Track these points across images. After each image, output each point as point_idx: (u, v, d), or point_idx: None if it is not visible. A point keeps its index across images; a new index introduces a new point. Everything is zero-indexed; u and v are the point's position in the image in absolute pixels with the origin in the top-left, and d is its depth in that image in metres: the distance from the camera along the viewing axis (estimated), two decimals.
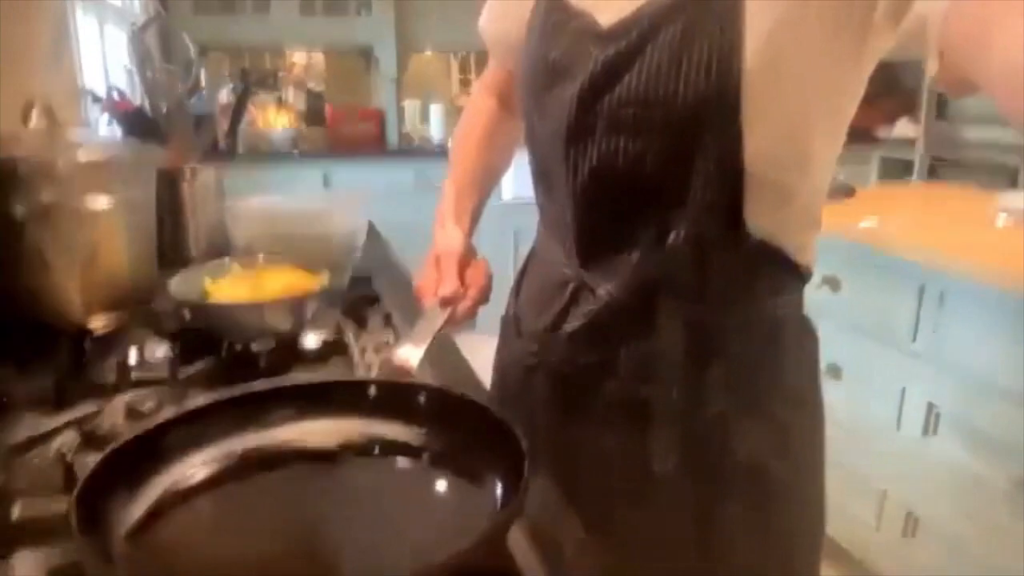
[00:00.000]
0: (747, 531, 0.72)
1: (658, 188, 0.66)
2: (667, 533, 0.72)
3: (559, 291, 0.77)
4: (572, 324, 0.75)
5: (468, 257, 0.78)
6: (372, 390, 0.62)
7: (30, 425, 0.69)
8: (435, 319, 0.71)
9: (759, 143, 0.63)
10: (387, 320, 0.99)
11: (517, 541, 0.55)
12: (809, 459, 0.77)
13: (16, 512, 0.54)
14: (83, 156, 0.91)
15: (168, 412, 0.56)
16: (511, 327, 0.87)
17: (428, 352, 0.67)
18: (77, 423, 0.68)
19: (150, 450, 0.53)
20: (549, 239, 0.81)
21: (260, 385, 0.64)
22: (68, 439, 0.65)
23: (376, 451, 0.59)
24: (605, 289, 0.72)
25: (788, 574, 0.76)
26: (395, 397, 0.61)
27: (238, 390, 0.61)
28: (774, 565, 0.75)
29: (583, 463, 0.75)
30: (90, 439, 0.65)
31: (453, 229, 0.80)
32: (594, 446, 0.75)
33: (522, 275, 0.88)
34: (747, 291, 0.69)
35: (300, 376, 0.83)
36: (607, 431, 0.74)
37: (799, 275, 0.72)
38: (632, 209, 0.68)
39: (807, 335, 0.76)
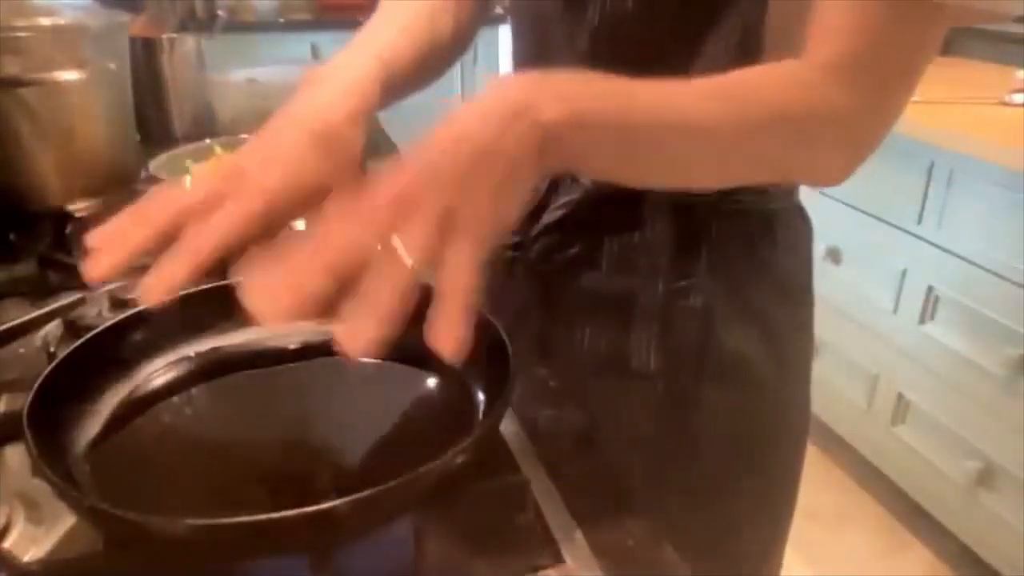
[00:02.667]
0: (728, 428, 0.69)
1: (662, 58, 0.56)
2: (645, 431, 0.69)
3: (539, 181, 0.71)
4: (552, 215, 0.69)
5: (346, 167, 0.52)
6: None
7: (13, 313, 0.67)
8: None
9: (781, 11, 0.56)
10: None
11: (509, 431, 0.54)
12: (795, 356, 0.73)
13: (1, 406, 0.53)
14: (47, 22, 0.84)
15: (118, 316, 0.53)
16: None
17: None
18: (61, 312, 0.65)
19: (102, 357, 0.51)
20: None
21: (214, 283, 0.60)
22: (52, 329, 0.63)
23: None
24: (582, 180, 0.66)
25: (769, 472, 0.74)
26: None
27: (190, 289, 0.58)
28: (756, 462, 0.72)
29: (562, 362, 0.68)
30: (74, 329, 0.63)
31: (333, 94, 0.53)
32: (573, 344, 0.70)
33: None
34: None
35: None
36: (587, 328, 0.69)
37: None
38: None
39: (802, 226, 0.71)
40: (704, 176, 0.54)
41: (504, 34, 3.46)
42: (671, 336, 0.65)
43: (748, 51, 0.56)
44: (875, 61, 0.48)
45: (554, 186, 0.70)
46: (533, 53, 0.70)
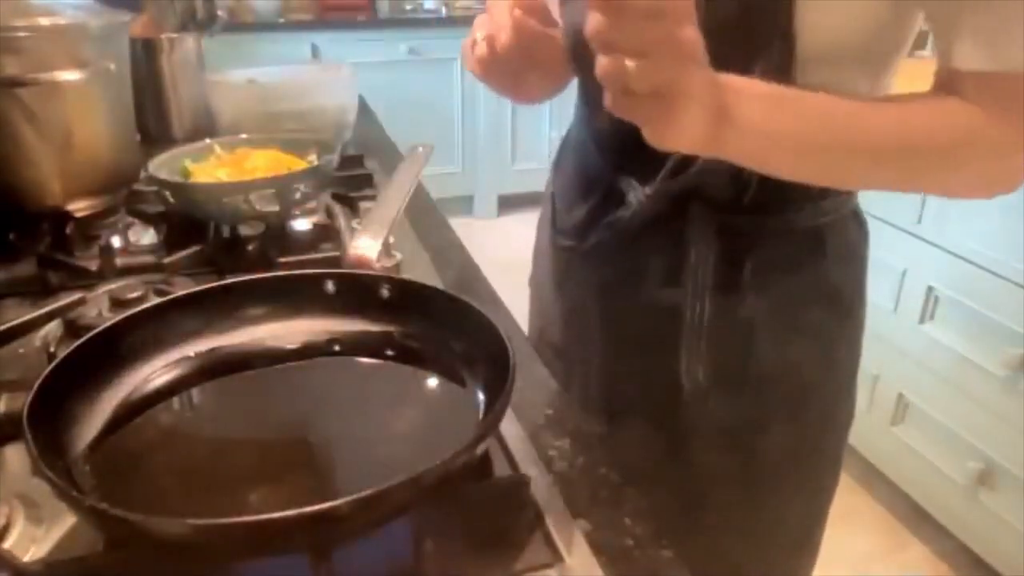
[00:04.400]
0: (780, 430, 0.71)
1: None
2: (693, 447, 0.72)
3: (590, 188, 0.73)
4: (600, 235, 0.72)
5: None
6: (330, 285, 0.59)
7: (13, 313, 0.67)
8: (392, 206, 0.67)
9: (812, 32, 0.56)
10: None
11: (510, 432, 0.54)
12: (846, 356, 0.74)
13: (1, 406, 0.53)
14: (47, 22, 0.84)
15: (118, 316, 0.53)
16: (548, 206, 0.83)
17: (390, 241, 0.65)
18: (60, 312, 0.65)
19: (102, 357, 0.51)
20: (581, 127, 0.76)
21: (213, 283, 0.60)
22: (52, 329, 0.63)
23: (339, 349, 0.57)
24: (635, 196, 0.68)
25: (815, 462, 0.79)
26: (357, 290, 0.58)
27: (190, 290, 0.58)
28: (804, 456, 0.75)
29: (610, 380, 0.74)
30: (74, 329, 0.63)
31: None
32: (622, 359, 0.73)
33: (560, 154, 0.83)
34: (788, 196, 0.63)
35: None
36: (635, 344, 0.72)
37: None
38: None
39: (857, 232, 0.70)
40: (855, 182, 0.62)
41: None
42: (718, 349, 0.67)
43: (775, 70, 0.56)
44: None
45: (605, 200, 0.71)
46: (580, 75, 0.72)
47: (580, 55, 0.68)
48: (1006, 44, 0.52)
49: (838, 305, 0.70)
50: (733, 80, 0.50)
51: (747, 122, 0.51)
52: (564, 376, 0.72)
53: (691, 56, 0.46)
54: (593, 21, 0.44)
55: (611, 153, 0.71)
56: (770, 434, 0.71)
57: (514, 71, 0.68)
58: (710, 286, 0.66)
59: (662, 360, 0.70)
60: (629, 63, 0.44)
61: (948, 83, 0.56)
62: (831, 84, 0.56)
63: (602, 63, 0.45)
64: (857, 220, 0.70)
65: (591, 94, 0.72)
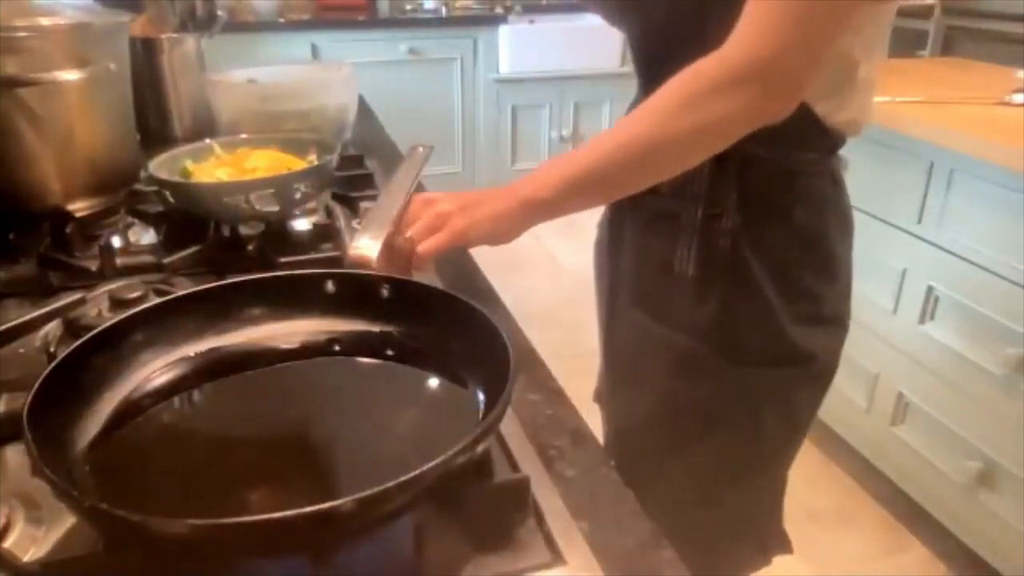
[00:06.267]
0: (758, 325, 0.82)
1: (691, 37, 0.69)
2: (687, 317, 0.83)
3: None
4: None
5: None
6: (330, 285, 0.59)
7: (13, 313, 0.67)
8: (392, 206, 0.68)
9: None
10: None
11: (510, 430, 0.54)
12: (836, 246, 0.83)
13: (1, 406, 0.53)
14: (47, 22, 0.84)
15: (118, 316, 0.53)
16: None
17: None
18: (61, 312, 0.65)
19: (102, 357, 0.51)
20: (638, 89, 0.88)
21: (213, 283, 0.60)
22: (52, 329, 0.63)
23: (339, 349, 0.57)
24: None
25: (783, 394, 0.86)
26: (357, 290, 0.58)
27: (190, 290, 0.58)
28: (777, 380, 0.85)
29: (635, 260, 0.90)
30: (74, 329, 0.63)
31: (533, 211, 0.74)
32: (640, 248, 0.89)
33: None
34: (773, 133, 0.69)
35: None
36: (649, 237, 0.87)
37: (827, 136, 0.77)
38: (678, 41, 0.72)
39: (830, 188, 0.82)
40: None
41: (504, 34, 3.46)
42: (708, 248, 0.81)
43: None
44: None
45: None
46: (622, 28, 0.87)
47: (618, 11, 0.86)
48: None
49: (808, 248, 0.81)
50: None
51: (539, 183, 0.72)
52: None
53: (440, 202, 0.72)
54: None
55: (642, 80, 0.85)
56: (743, 334, 0.82)
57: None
58: (702, 198, 0.79)
59: (660, 248, 0.84)
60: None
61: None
62: None
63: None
64: (833, 179, 0.83)
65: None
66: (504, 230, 0.72)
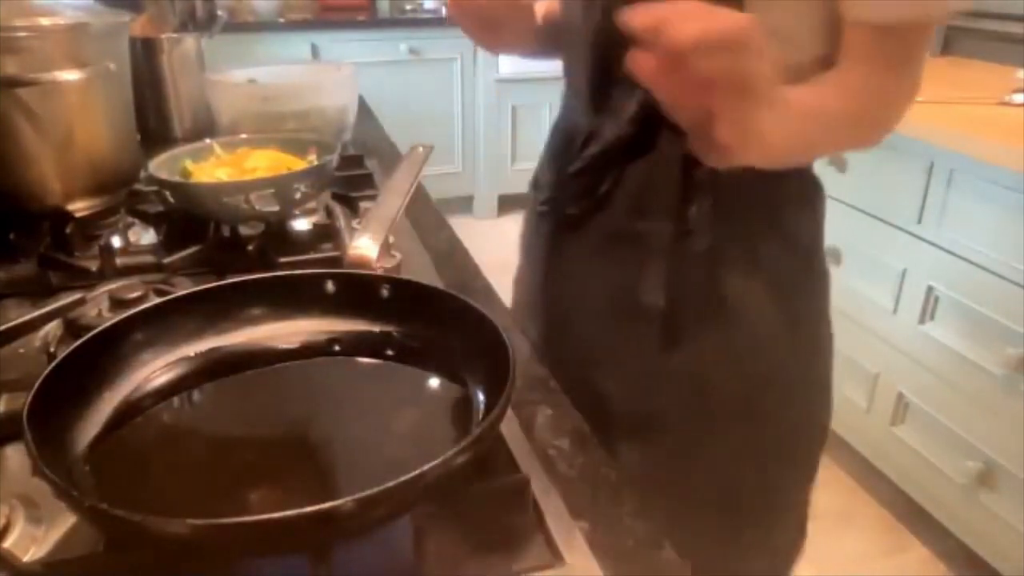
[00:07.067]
0: (733, 384, 0.72)
1: None
2: (651, 367, 0.73)
3: (573, 142, 0.77)
4: (578, 164, 0.75)
5: None
6: (330, 285, 0.59)
7: (13, 313, 0.67)
8: (392, 206, 0.67)
9: None
10: None
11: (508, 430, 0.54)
12: (808, 323, 0.76)
13: (1, 406, 0.53)
14: (47, 22, 0.84)
15: (118, 316, 0.53)
16: (532, 187, 0.89)
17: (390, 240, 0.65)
18: (61, 312, 0.65)
19: (102, 357, 0.51)
20: (570, 97, 0.80)
21: (213, 283, 0.60)
22: (52, 329, 0.63)
23: (339, 349, 0.57)
24: (612, 131, 0.71)
25: (780, 447, 0.77)
26: (357, 290, 0.58)
27: (190, 290, 0.58)
28: (767, 430, 0.75)
29: (577, 297, 0.77)
30: (74, 329, 0.63)
31: None
32: (588, 280, 0.77)
33: (549, 141, 0.87)
34: None
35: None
36: (601, 265, 0.75)
37: None
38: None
39: (812, 188, 0.74)
40: (812, 156, 0.70)
41: None
42: (677, 275, 0.70)
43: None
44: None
45: (585, 143, 0.75)
46: (566, 36, 0.77)
47: (566, 20, 0.75)
48: None
49: (796, 250, 0.73)
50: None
51: (782, 127, 0.54)
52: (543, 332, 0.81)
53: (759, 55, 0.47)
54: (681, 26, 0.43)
55: (592, 100, 0.73)
56: (720, 387, 0.73)
57: (484, 24, 0.73)
58: (673, 212, 0.69)
59: (622, 281, 0.72)
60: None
61: (850, 40, 0.63)
62: (785, 17, 0.62)
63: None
64: (813, 179, 0.75)
65: (572, 56, 0.77)
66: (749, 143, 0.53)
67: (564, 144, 0.79)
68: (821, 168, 0.74)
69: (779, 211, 0.71)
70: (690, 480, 0.76)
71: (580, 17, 0.71)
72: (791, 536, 0.85)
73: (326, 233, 0.86)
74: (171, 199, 0.84)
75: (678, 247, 0.69)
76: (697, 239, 0.69)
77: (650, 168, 0.70)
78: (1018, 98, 1.68)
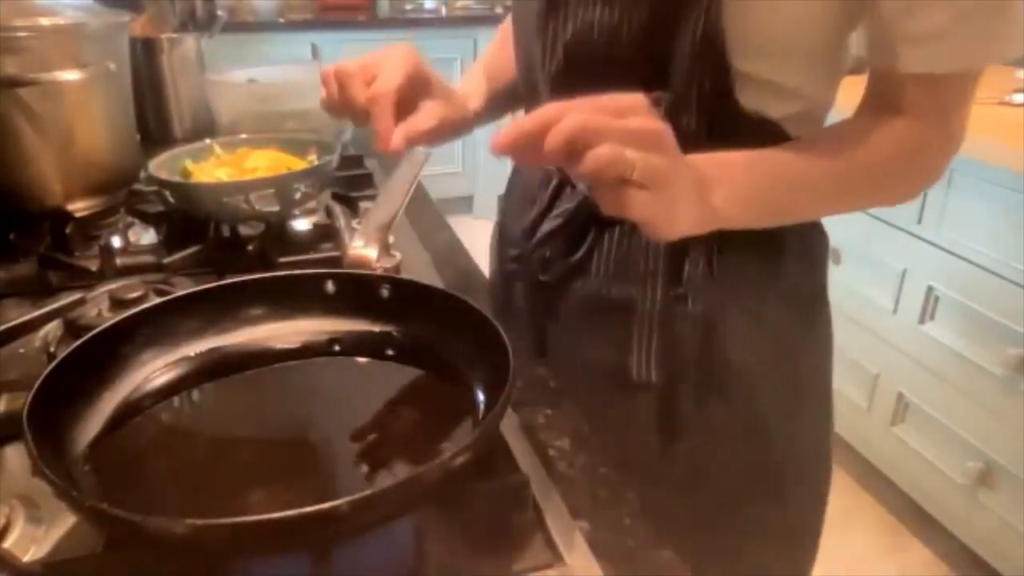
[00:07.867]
0: (737, 453, 0.66)
1: (635, 68, 0.58)
2: (650, 454, 0.67)
3: (541, 190, 0.70)
4: (551, 223, 0.68)
5: (436, 88, 0.71)
6: (330, 285, 0.59)
7: (13, 313, 0.67)
8: (391, 206, 0.67)
9: (740, 22, 0.54)
10: None
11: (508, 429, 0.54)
12: (812, 378, 0.70)
13: (1, 406, 0.53)
14: (47, 22, 0.84)
15: (118, 316, 0.53)
16: (497, 234, 0.81)
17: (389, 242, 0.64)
18: (61, 312, 0.65)
19: (102, 357, 0.51)
20: None
21: (213, 283, 0.60)
22: (52, 329, 0.63)
23: (339, 349, 0.57)
24: (584, 184, 0.63)
25: (785, 506, 0.71)
26: (357, 290, 0.58)
27: (190, 290, 0.58)
28: (771, 494, 0.69)
29: (564, 375, 0.65)
30: (74, 329, 0.63)
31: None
32: (574, 356, 0.69)
33: (512, 179, 0.81)
34: None
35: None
36: (587, 338, 0.68)
37: None
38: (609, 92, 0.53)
39: (815, 234, 0.69)
40: (811, 215, 0.65)
41: None
42: (672, 346, 0.63)
43: (710, 55, 0.56)
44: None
45: (555, 195, 0.69)
46: (522, 65, 0.71)
47: (524, 60, 0.70)
48: (952, 45, 0.53)
49: (798, 305, 0.67)
50: (703, 158, 0.52)
51: (730, 192, 0.53)
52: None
53: (671, 143, 0.46)
54: (572, 120, 0.43)
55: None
56: (725, 460, 0.67)
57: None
58: (662, 275, 0.62)
59: (612, 354, 0.65)
60: (630, 154, 0.43)
61: (882, 90, 0.59)
62: (772, 81, 0.58)
63: (601, 153, 0.43)
64: (816, 224, 0.69)
65: (533, 101, 0.69)
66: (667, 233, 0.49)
67: (532, 192, 0.72)
68: None
69: (779, 263, 0.65)
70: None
71: (539, 55, 0.64)
72: None
73: (326, 233, 0.86)
74: (171, 199, 0.84)
75: (670, 313, 0.62)
76: (691, 304, 0.62)
77: (631, 228, 0.63)
78: (1018, 98, 1.68)
